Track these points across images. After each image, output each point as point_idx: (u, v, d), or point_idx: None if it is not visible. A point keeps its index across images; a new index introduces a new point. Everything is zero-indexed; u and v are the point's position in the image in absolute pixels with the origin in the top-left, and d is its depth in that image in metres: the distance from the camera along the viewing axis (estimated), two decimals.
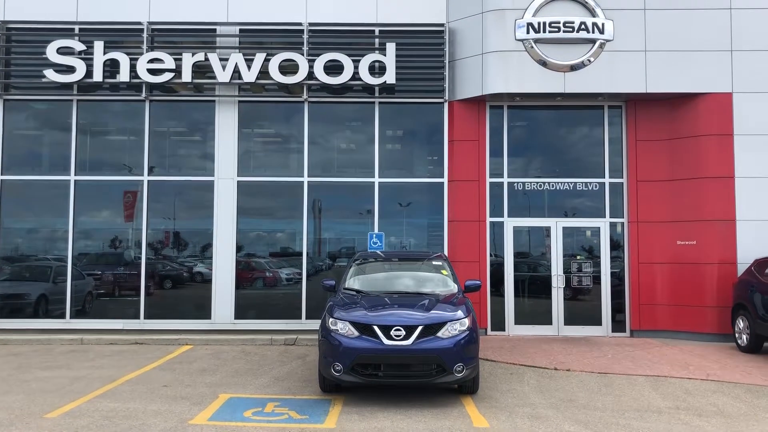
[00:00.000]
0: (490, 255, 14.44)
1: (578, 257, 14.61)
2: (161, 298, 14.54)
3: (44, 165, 14.78)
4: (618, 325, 14.33)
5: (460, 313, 8.51)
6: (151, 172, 14.47)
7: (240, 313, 14.31)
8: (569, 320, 14.33)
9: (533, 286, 14.69)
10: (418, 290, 9.57)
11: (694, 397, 8.80)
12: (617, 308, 14.39)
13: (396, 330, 8.13)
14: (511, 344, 12.99)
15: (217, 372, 10.22)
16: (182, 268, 14.81)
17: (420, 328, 8.17)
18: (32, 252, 14.89)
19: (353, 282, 9.87)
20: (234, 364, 10.89)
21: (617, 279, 14.46)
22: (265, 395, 8.75)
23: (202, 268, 14.65)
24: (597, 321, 14.38)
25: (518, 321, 14.35)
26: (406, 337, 8.11)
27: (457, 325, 8.34)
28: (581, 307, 14.53)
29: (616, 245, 14.53)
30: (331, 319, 8.52)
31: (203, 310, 14.29)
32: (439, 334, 8.22)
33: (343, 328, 8.34)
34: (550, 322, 14.35)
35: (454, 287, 9.67)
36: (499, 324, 14.32)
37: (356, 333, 8.25)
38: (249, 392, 8.92)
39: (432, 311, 8.50)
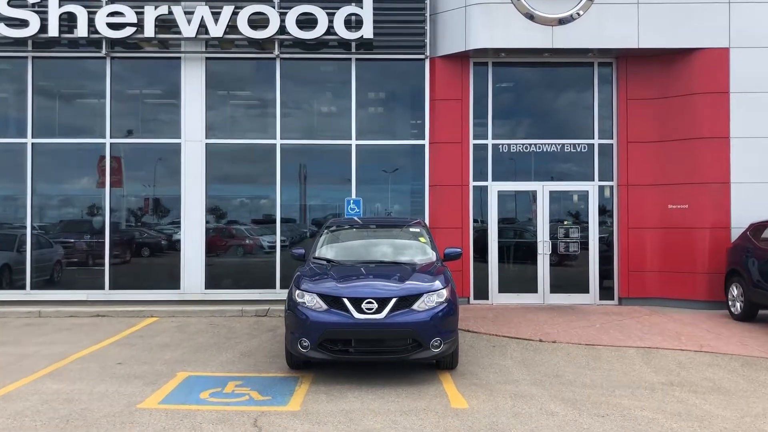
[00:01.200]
0: (474, 221, 13.77)
1: (565, 222, 13.98)
2: (128, 268, 13.81)
3: None
4: (606, 292, 13.78)
5: (437, 284, 7.84)
6: (114, 134, 13.60)
7: (211, 282, 13.62)
8: (555, 288, 13.75)
9: (518, 253, 14.08)
10: (394, 259, 8.87)
11: (688, 371, 8.22)
12: (605, 275, 13.82)
13: (367, 303, 7.46)
14: (495, 314, 12.39)
15: (180, 347, 9.54)
16: (150, 236, 14.07)
17: (393, 300, 7.50)
18: None
19: (324, 250, 9.16)
20: (199, 337, 10.21)
21: (605, 245, 13.86)
22: (228, 373, 8.09)
23: (171, 235, 13.89)
24: (584, 289, 13.81)
25: (502, 289, 13.75)
26: (378, 311, 7.45)
27: (434, 297, 7.67)
28: (568, 274, 13.94)
29: (604, 210, 13.90)
30: (297, 291, 7.83)
31: (172, 280, 13.59)
32: (415, 306, 7.56)
33: (310, 300, 7.65)
34: (535, 290, 13.77)
35: (432, 255, 8.98)
36: (482, 292, 13.71)
37: (325, 306, 7.57)
38: (210, 370, 8.26)
39: (407, 282, 7.82)
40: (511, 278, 13.86)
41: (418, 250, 9.15)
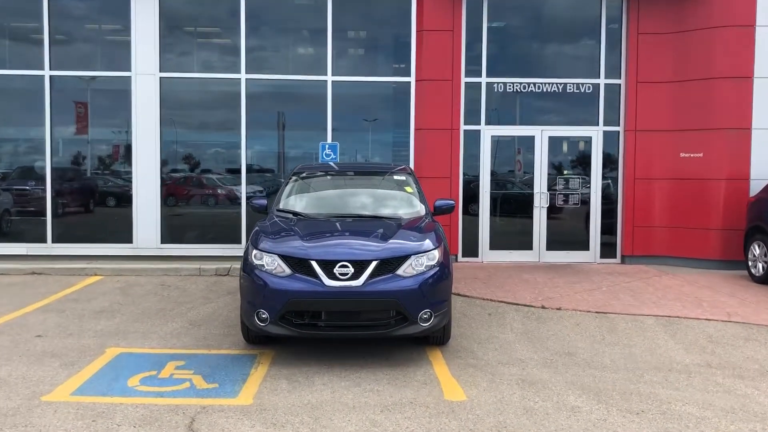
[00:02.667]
0: (464, 170, 12.27)
1: (565, 172, 12.54)
2: (75, 219, 12.24)
3: None
4: (607, 249, 12.45)
5: (428, 243, 6.37)
6: (53, 65, 11.80)
7: (168, 236, 12.06)
8: (552, 245, 12.39)
9: (512, 206, 12.66)
10: (375, 213, 7.36)
11: (724, 348, 6.90)
12: (607, 231, 12.47)
13: (341, 266, 5.98)
14: (487, 273, 11.01)
15: (119, 314, 8.04)
16: (101, 184, 12.41)
17: (374, 263, 6.03)
18: None
19: (290, 201, 7.62)
20: (144, 301, 8.71)
21: (609, 198, 12.47)
22: (170, 349, 6.62)
23: (124, 184, 12.25)
24: (584, 245, 12.47)
25: (494, 246, 12.36)
26: (355, 276, 5.98)
27: (423, 260, 6.21)
28: (566, 229, 12.57)
29: (609, 158, 12.46)
30: (255, 252, 6.32)
31: (124, 234, 12.00)
32: (400, 271, 6.10)
33: (270, 263, 6.16)
34: (530, 247, 12.40)
35: (421, 209, 7.48)
36: (471, 249, 12.31)
37: (288, 270, 6.08)
38: (149, 345, 6.78)
39: (391, 241, 6.33)
40: (503, 234, 12.46)
41: (404, 202, 7.65)
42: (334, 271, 5.97)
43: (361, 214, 7.26)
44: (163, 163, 12.08)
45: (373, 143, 12.73)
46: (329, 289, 5.95)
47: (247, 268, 6.33)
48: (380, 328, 6.08)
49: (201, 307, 8.40)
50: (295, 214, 7.21)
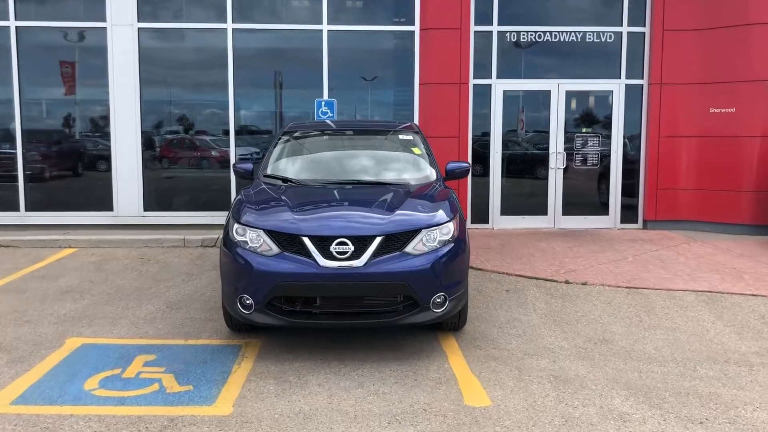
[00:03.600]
0: (473, 128, 11.22)
1: (584, 130, 11.49)
2: (51, 185, 11.27)
3: None
4: (628, 214, 11.48)
5: (441, 215, 5.39)
6: (19, 15, 10.68)
7: (151, 203, 11.09)
8: (569, 209, 11.42)
9: (526, 167, 11.66)
10: (378, 178, 6.34)
11: None
12: (628, 194, 11.49)
13: (339, 243, 5.01)
14: (500, 242, 10.06)
15: (88, 294, 7.10)
16: (78, 147, 11.37)
17: (378, 239, 5.05)
18: None
19: (280, 165, 6.61)
20: (119, 278, 7.76)
21: (631, 158, 11.46)
22: (141, 339, 5.69)
23: (102, 146, 11.22)
24: (603, 210, 11.50)
25: (506, 211, 11.38)
26: (355, 255, 5.01)
27: (436, 234, 5.24)
28: (584, 192, 11.58)
29: (632, 115, 11.40)
30: (236, 226, 5.34)
31: (104, 201, 11.04)
32: (409, 248, 5.12)
33: (255, 239, 5.18)
34: (545, 212, 11.43)
35: (431, 173, 6.47)
36: (481, 215, 11.35)
37: (276, 249, 5.11)
38: (117, 333, 5.85)
39: (398, 212, 5.34)
40: (516, 197, 11.47)
41: (412, 166, 6.64)
42: (331, 249, 5.00)
43: (361, 179, 6.25)
44: (145, 124, 11.04)
45: (373, 104, 11.66)
46: (325, 270, 4.98)
47: (228, 244, 5.36)
48: (386, 315, 5.12)
49: (182, 286, 7.45)
50: (284, 180, 6.21)
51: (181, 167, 11.53)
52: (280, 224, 5.19)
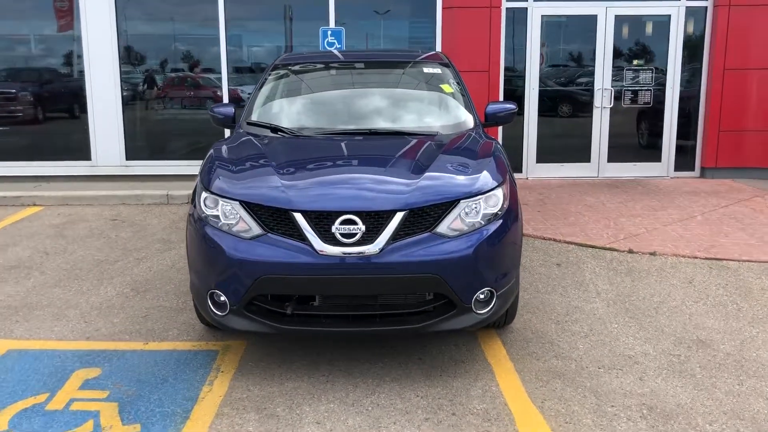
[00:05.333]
0: (505, 61, 9.59)
1: (635, 63, 9.82)
2: (21, 131, 9.84)
3: None
4: (683, 160, 9.92)
5: (486, 178, 3.89)
6: None
7: (134, 151, 9.66)
8: (615, 155, 9.86)
9: (566, 107, 10.06)
10: (398, 125, 4.82)
11: None
12: (684, 136, 9.88)
13: (346, 222, 3.55)
14: (538, 196, 8.56)
15: (37, 271, 5.73)
16: (52, 87, 9.90)
17: (399, 216, 3.58)
18: None
19: (268, 110, 5.08)
20: (81, 248, 6.38)
21: (689, 94, 9.80)
22: (86, 343, 4.32)
23: (77, 85, 9.70)
24: (654, 156, 9.93)
25: (542, 158, 9.84)
26: (367, 238, 3.55)
27: (480, 205, 3.75)
28: (633, 135, 10.02)
29: (692, 43, 9.69)
30: (204, 195, 3.88)
31: (81, 148, 9.62)
32: (443, 227, 3.65)
33: (229, 215, 3.73)
34: (587, 159, 9.87)
35: (467, 118, 4.93)
36: (513, 162, 9.47)
37: (257, 228, 3.66)
38: (58, 332, 4.49)
39: (427, 174, 3.84)
40: (554, 142, 9.91)
41: (442, 108, 5.10)
42: (333, 229, 3.54)
43: (376, 128, 4.73)
44: (123, 60, 9.51)
45: (386, 39, 10.02)
46: (325, 260, 3.54)
47: (195, 220, 3.91)
48: (410, 321, 3.70)
49: (155, 258, 6.06)
50: (274, 129, 4.69)
51: (169, 110, 10.04)
52: (262, 194, 3.73)
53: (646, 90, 9.75)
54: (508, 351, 4.15)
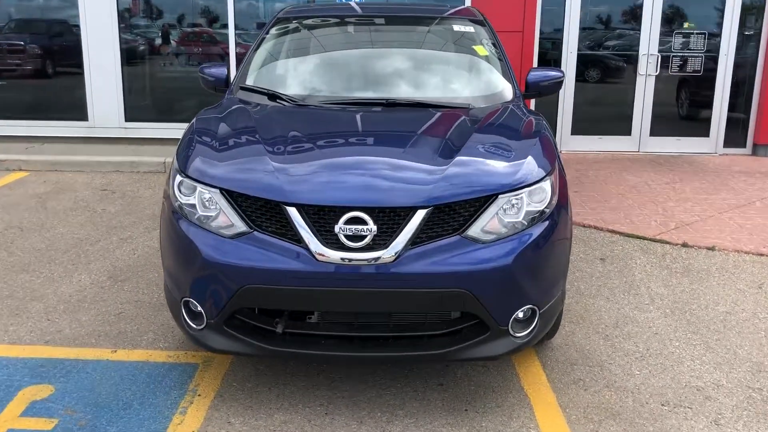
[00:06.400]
0: (541, 22, 8.66)
1: (686, 26, 8.83)
2: (14, 88, 9.12)
3: None
4: (733, 136, 8.99)
5: (531, 166, 3.09)
6: None
7: (135, 112, 8.90)
8: (658, 128, 8.95)
9: (606, 73, 9.15)
10: (422, 95, 3.99)
11: None
12: (735, 109, 8.94)
13: (352, 220, 2.78)
14: (574, 172, 7.72)
15: (5, 251, 5.05)
16: (48, 42, 9.15)
17: (421, 214, 2.81)
18: None
19: (265, 72, 4.27)
20: (61, 223, 5.68)
21: (745, 62, 8.82)
22: (43, 349, 3.63)
23: (73, 39, 8.92)
24: (701, 130, 9.00)
25: (578, 129, 8.95)
26: (380, 241, 2.79)
27: (522, 200, 2.97)
28: (679, 107, 9.09)
29: (751, 5, 8.69)
30: (179, 180, 3.12)
31: (78, 108, 8.89)
32: (475, 229, 2.87)
33: (208, 206, 2.98)
34: (628, 132, 8.98)
35: (505, 87, 4.08)
36: None
37: (241, 225, 2.91)
38: (14, 334, 3.80)
39: (458, 160, 3.05)
40: (592, 113, 9.02)
41: (475, 74, 4.26)
42: (337, 229, 2.78)
43: (395, 97, 3.90)
44: (123, 11, 8.70)
45: None
46: (325, 268, 2.79)
47: (167, 208, 3.17)
48: (431, 345, 2.94)
49: (141, 238, 5.35)
50: (271, 96, 3.89)
51: (173, 68, 9.24)
52: (248, 180, 2.97)
53: (696, 56, 8.79)
54: (549, 376, 3.40)
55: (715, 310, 4.20)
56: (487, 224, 2.89)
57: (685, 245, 5.35)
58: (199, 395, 3.20)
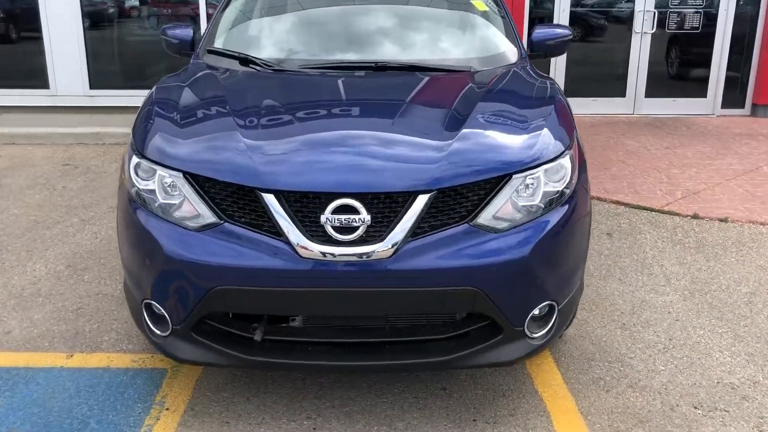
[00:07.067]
0: None
1: None
2: None
3: None
4: (731, 96, 8.62)
5: (547, 140, 2.65)
6: None
7: (100, 78, 8.29)
8: (653, 89, 8.55)
9: (599, 32, 8.69)
10: (417, 57, 3.49)
11: None
12: (734, 68, 8.55)
13: (341, 209, 2.34)
14: None
15: None
16: (2, 6, 8.48)
17: (423, 200, 2.37)
18: None
19: (238, 33, 3.76)
20: (15, 204, 5.17)
21: (744, 18, 8.40)
22: None
23: (30, 3, 8.27)
24: (698, 90, 8.62)
25: (573, 91, 8.44)
26: (373, 234, 2.36)
27: (539, 180, 2.53)
28: (676, 67, 8.68)
29: None
30: (136, 161, 2.65)
31: (38, 75, 8.26)
32: (486, 216, 2.44)
33: (171, 191, 2.52)
34: (622, 93, 8.57)
35: (508, 47, 3.60)
36: None
37: (209, 215, 2.45)
38: None
39: (463, 133, 2.59)
40: (585, 73, 8.58)
41: (475, 33, 3.78)
42: (323, 219, 2.33)
43: (386, 60, 3.41)
44: None
45: None
46: (309, 266, 2.35)
47: (124, 196, 2.71)
48: (434, 351, 2.53)
49: (104, 219, 4.86)
50: (243, 61, 3.38)
51: (143, 31, 8.62)
52: (216, 162, 2.50)
53: (694, 12, 8.35)
54: (565, 376, 3.02)
55: (737, 292, 3.84)
56: (500, 209, 2.46)
57: (695, 217, 4.97)
58: (167, 409, 2.78)
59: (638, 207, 5.16)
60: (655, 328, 3.44)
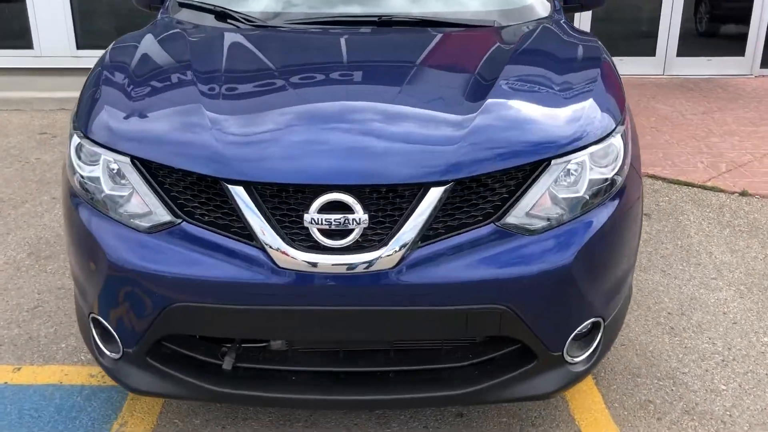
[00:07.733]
0: None
1: None
2: None
3: None
4: None
5: (592, 114, 2.09)
6: None
7: (88, 38, 7.71)
8: (686, 48, 7.86)
9: None
10: (426, 9, 2.90)
11: None
12: None
13: (330, 205, 1.80)
14: None
15: None
16: None
17: (435, 194, 1.83)
18: None
19: None
20: None
21: None
22: None
23: None
24: (735, 48, 7.93)
25: None
26: (372, 238, 1.83)
27: (584, 165, 1.97)
28: (710, 23, 8.00)
29: None
30: (77, 142, 2.12)
31: (21, 34, 7.69)
32: (515, 214, 1.90)
33: (118, 180, 1.98)
34: (652, 52, 7.89)
35: None
36: None
37: (163, 212, 1.92)
38: None
39: (488, 104, 2.03)
40: (611, 31, 7.90)
41: None
42: (308, 220, 1.80)
43: (392, 13, 2.81)
44: None
45: None
46: (290, 279, 1.82)
47: (66, 186, 2.18)
48: (450, 382, 2.00)
49: None
50: (220, 15, 2.79)
51: None
52: (173, 144, 1.96)
53: None
54: (607, 397, 2.50)
55: None
56: (536, 205, 1.91)
57: (744, 194, 4.39)
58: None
59: (678, 182, 4.58)
60: (710, 334, 2.91)
